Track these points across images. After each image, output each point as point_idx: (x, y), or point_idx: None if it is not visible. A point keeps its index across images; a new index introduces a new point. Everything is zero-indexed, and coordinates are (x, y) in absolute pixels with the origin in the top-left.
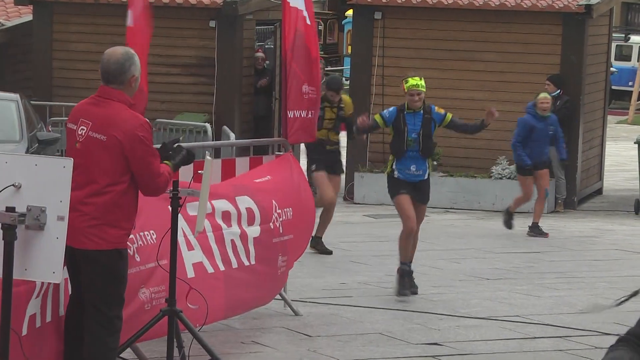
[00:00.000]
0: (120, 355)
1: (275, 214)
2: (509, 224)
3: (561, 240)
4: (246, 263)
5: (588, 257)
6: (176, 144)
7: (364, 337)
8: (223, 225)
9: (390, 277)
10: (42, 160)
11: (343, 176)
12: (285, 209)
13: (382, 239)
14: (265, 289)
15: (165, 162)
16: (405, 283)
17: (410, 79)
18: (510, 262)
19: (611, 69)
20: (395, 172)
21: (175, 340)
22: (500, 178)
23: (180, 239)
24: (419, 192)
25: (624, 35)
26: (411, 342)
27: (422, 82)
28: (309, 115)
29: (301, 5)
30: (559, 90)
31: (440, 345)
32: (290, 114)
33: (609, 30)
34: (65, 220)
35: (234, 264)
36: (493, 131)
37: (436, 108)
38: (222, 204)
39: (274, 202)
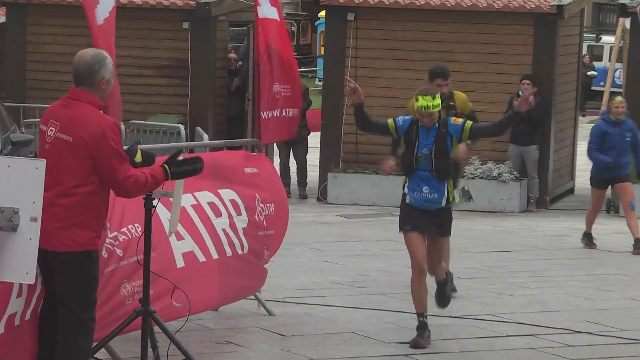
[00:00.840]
0: (95, 356)
1: (259, 208)
2: (590, 244)
3: (533, 239)
4: (239, 252)
5: (560, 256)
6: (181, 155)
7: (338, 336)
8: (212, 216)
9: (364, 276)
10: (15, 161)
11: (330, 176)
12: (267, 204)
13: (355, 239)
14: (255, 278)
15: (164, 165)
16: (421, 335)
17: (420, 97)
18: (483, 262)
19: (592, 72)
20: (407, 196)
21: (149, 340)
22: (473, 178)
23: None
24: (434, 223)
25: (595, 36)
26: (384, 341)
27: (435, 102)
28: (284, 114)
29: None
30: (537, 88)
31: None
32: (263, 115)
33: (580, 31)
34: (38, 221)
35: (228, 252)
36: None
37: (452, 119)
38: (205, 196)
39: (257, 196)
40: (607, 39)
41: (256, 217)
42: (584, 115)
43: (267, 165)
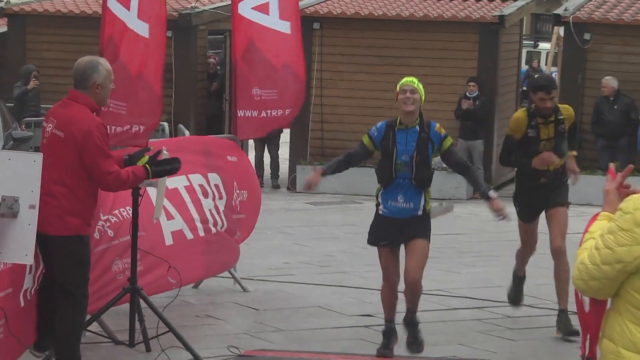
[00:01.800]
0: (87, 328)
1: (235, 193)
2: None
3: (479, 223)
4: (221, 230)
5: (502, 238)
6: (158, 154)
7: (305, 310)
8: (202, 197)
9: (328, 257)
10: (15, 155)
11: (298, 167)
12: (242, 191)
13: (320, 223)
14: (232, 255)
15: (146, 165)
16: (386, 346)
17: (404, 78)
18: (435, 244)
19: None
20: (380, 207)
21: (137, 314)
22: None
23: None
24: (409, 230)
25: (533, 43)
26: (346, 314)
27: (421, 87)
28: (263, 115)
29: (255, 17)
30: (477, 92)
31: (372, 316)
32: (240, 113)
33: (520, 38)
34: (36, 208)
35: (213, 230)
36: None
37: (437, 126)
38: (197, 178)
39: (235, 182)
40: (544, 46)
41: (233, 201)
42: None
43: (244, 156)
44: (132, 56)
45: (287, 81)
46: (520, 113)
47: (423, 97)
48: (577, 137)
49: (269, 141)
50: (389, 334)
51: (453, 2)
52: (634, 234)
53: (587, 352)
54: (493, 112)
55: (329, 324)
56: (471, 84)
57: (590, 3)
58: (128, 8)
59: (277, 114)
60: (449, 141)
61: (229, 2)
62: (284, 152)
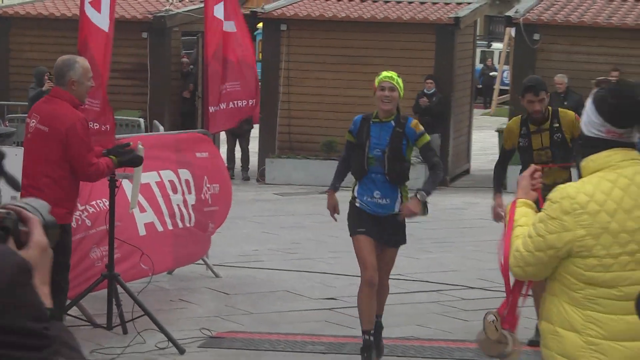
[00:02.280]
0: (67, 312)
1: (206, 187)
2: None
3: (436, 212)
4: (188, 225)
5: (458, 226)
6: (128, 147)
7: (274, 294)
8: (170, 193)
9: (295, 244)
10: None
11: (267, 161)
12: (213, 185)
13: (288, 213)
14: (200, 247)
15: (111, 156)
16: (368, 357)
17: (383, 72)
18: None
19: (494, 73)
20: (357, 201)
21: (114, 299)
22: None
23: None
24: (385, 231)
25: (487, 43)
26: (312, 297)
27: (400, 81)
28: (231, 106)
29: (221, 16)
30: (435, 89)
31: (336, 299)
32: (211, 109)
33: (474, 39)
34: (17, 198)
35: (180, 225)
36: None
37: (413, 122)
38: (168, 174)
39: (205, 177)
40: (497, 46)
41: (203, 195)
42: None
43: (214, 151)
44: (235, 48)
45: (246, 74)
46: (512, 121)
47: (402, 92)
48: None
49: (240, 136)
50: (368, 348)
51: (411, 4)
52: (562, 222)
53: (505, 312)
54: (449, 108)
55: (295, 307)
56: (428, 81)
57: (539, 5)
58: (98, 9)
59: (242, 104)
60: (424, 139)
61: (201, 5)
62: (253, 146)
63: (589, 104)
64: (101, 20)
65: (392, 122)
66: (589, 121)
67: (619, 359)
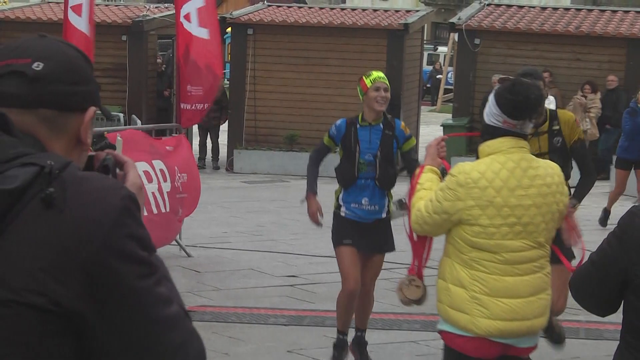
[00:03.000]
0: None
1: (177, 176)
2: (604, 222)
3: None
4: (163, 210)
5: (406, 214)
6: (102, 136)
7: (240, 272)
8: (145, 182)
9: (260, 227)
10: None
11: (235, 152)
12: (182, 174)
13: (254, 199)
14: (172, 231)
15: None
16: (339, 356)
17: (373, 72)
18: None
19: (439, 76)
20: (342, 209)
21: None
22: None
23: None
24: (372, 238)
25: (433, 47)
26: (275, 275)
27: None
28: (194, 108)
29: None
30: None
31: (296, 277)
32: (182, 106)
33: (421, 43)
34: None
35: (154, 211)
36: (338, 117)
37: (402, 125)
38: (142, 165)
39: (176, 167)
40: (442, 49)
41: (175, 183)
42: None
43: (183, 144)
44: (204, 55)
45: (209, 80)
46: None
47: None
48: (588, 158)
49: (210, 130)
50: (341, 346)
51: (365, 12)
52: (456, 192)
53: (416, 272)
54: (398, 105)
55: (260, 284)
56: None
57: (480, 13)
58: (79, 14)
59: (199, 107)
60: (412, 142)
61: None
62: (223, 139)
63: (491, 97)
64: (82, 23)
65: (381, 125)
66: (490, 112)
67: (497, 312)
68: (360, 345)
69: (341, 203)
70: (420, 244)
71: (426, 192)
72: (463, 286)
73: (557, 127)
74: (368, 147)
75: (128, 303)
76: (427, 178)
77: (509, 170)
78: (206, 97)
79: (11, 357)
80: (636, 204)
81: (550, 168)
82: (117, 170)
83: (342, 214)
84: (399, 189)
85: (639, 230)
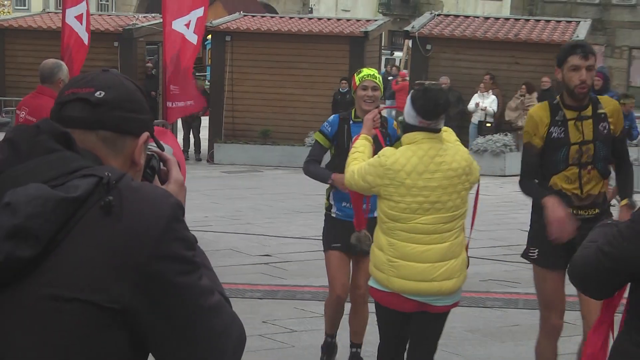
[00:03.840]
0: None
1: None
2: None
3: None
4: None
5: None
6: None
7: (220, 252)
8: None
9: (238, 212)
10: None
11: (215, 145)
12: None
13: (232, 187)
14: None
15: None
16: (328, 358)
17: (364, 69)
18: (317, 201)
19: (390, 77)
20: (333, 209)
21: None
22: (310, 146)
23: None
24: None
25: (389, 52)
26: (251, 254)
27: (380, 78)
28: (174, 105)
29: (183, 30)
30: (348, 88)
31: (270, 256)
32: (168, 104)
33: (379, 48)
34: None
35: None
36: (307, 114)
37: (394, 123)
38: None
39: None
40: (398, 54)
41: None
42: None
43: (171, 138)
44: (188, 59)
45: (186, 80)
46: (537, 107)
47: (382, 91)
48: (627, 151)
49: (193, 125)
50: (330, 349)
51: (330, 21)
52: (377, 170)
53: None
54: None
55: (237, 262)
56: (343, 82)
57: (431, 22)
58: (81, 22)
59: (180, 104)
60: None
61: (161, 20)
62: (204, 133)
63: (408, 100)
64: (82, 32)
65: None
66: (408, 112)
67: (407, 274)
68: (326, 349)
69: (332, 202)
70: (359, 197)
71: (360, 154)
72: (382, 250)
73: (602, 112)
74: None
75: (176, 298)
76: (362, 144)
77: (418, 158)
78: (185, 95)
79: (73, 348)
80: None
81: (457, 154)
82: (162, 166)
83: (333, 214)
84: None
85: None
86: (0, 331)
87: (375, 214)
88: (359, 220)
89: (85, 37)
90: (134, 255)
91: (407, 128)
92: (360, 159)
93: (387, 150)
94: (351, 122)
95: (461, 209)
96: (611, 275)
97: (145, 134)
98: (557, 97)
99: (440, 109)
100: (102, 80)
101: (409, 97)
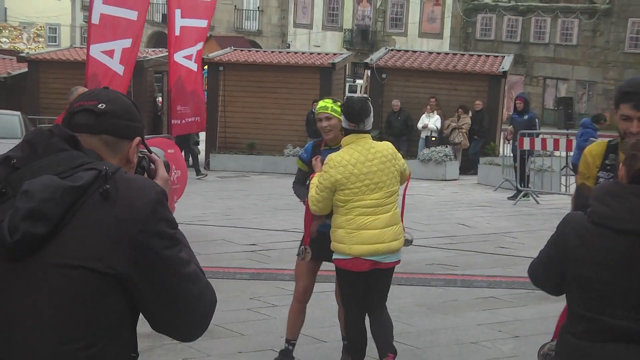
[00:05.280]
0: None
1: (173, 172)
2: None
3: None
4: None
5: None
6: None
7: (214, 242)
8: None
9: (230, 209)
10: None
11: (211, 155)
12: (177, 170)
13: (225, 189)
14: None
15: None
16: None
17: (320, 101)
18: (294, 200)
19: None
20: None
21: None
22: (289, 156)
23: None
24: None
25: (352, 80)
26: (240, 243)
27: (336, 107)
28: (183, 122)
29: (184, 62)
30: None
31: (255, 245)
32: (172, 121)
33: (344, 77)
34: None
35: None
36: (285, 130)
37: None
38: None
39: (173, 166)
40: (359, 81)
41: (172, 177)
42: None
43: (177, 149)
44: (192, 82)
45: (194, 100)
46: (596, 145)
47: (340, 116)
48: None
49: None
50: (286, 355)
51: (304, 54)
52: (329, 173)
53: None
54: None
55: (229, 250)
56: (315, 103)
57: (385, 56)
58: (111, 57)
59: (191, 120)
60: None
61: (166, 54)
62: (201, 145)
63: (341, 109)
64: (114, 64)
65: (341, 146)
66: (344, 120)
67: (364, 239)
68: (286, 356)
69: None
70: (309, 219)
71: (313, 186)
72: (341, 227)
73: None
74: None
75: (160, 266)
76: (315, 179)
77: (358, 152)
78: (194, 112)
79: (78, 308)
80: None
81: (384, 145)
82: (151, 166)
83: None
84: None
85: (568, 237)
86: (18, 295)
87: (324, 230)
88: (305, 236)
89: (119, 69)
90: (127, 231)
91: (345, 132)
92: (314, 188)
93: (332, 156)
94: (322, 149)
95: (395, 187)
96: (548, 276)
97: (138, 138)
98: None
99: (360, 113)
100: (104, 95)
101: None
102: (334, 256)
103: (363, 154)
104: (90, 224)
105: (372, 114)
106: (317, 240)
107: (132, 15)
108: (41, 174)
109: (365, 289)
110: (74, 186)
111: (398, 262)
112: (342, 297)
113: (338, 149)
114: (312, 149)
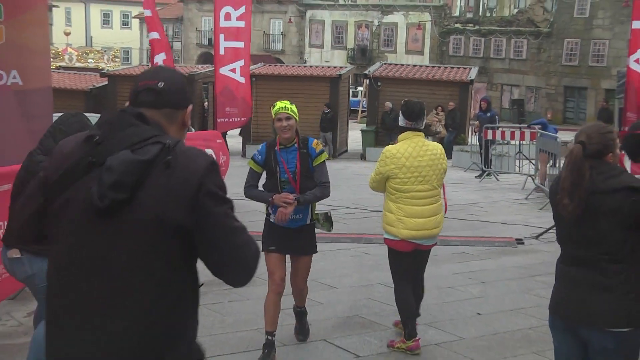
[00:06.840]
0: None
1: (221, 157)
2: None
3: (329, 170)
4: None
5: (342, 177)
6: None
7: (247, 212)
8: None
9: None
10: None
11: (246, 145)
12: (223, 156)
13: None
14: None
15: None
16: (268, 355)
17: (277, 102)
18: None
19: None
20: (272, 216)
21: None
22: None
23: None
24: (298, 242)
25: (355, 87)
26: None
27: (293, 107)
28: (230, 120)
29: (231, 74)
30: (329, 110)
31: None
32: (219, 120)
33: (348, 85)
34: None
35: None
36: (303, 127)
37: (314, 142)
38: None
39: (220, 152)
40: (360, 88)
41: (220, 161)
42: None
43: (222, 140)
44: (242, 91)
45: (241, 105)
46: None
47: (297, 116)
48: None
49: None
50: (269, 346)
51: (317, 67)
52: (385, 161)
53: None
54: (336, 119)
55: (261, 218)
56: (325, 107)
57: (380, 68)
58: (235, 73)
59: (237, 119)
60: (322, 157)
61: (212, 69)
62: (239, 138)
63: (401, 109)
64: (237, 77)
65: (295, 145)
66: (401, 119)
67: (411, 226)
68: (299, 313)
69: (270, 211)
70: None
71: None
72: (392, 212)
73: None
74: (287, 166)
75: (211, 220)
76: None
77: (412, 147)
78: (242, 113)
79: (153, 251)
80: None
81: (435, 145)
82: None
83: (272, 219)
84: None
85: (552, 191)
86: (109, 244)
87: (307, 221)
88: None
89: (242, 80)
90: (185, 192)
91: (401, 129)
92: (374, 172)
93: (388, 148)
94: (276, 149)
95: (440, 182)
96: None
97: (190, 106)
98: None
99: (418, 114)
100: (162, 74)
101: (401, 110)
102: (385, 235)
103: (416, 150)
104: (158, 187)
105: (425, 115)
106: (282, 235)
107: (241, 44)
108: (119, 146)
109: (409, 263)
110: (143, 160)
111: (435, 244)
112: (391, 270)
113: (293, 148)
114: (267, 149)
